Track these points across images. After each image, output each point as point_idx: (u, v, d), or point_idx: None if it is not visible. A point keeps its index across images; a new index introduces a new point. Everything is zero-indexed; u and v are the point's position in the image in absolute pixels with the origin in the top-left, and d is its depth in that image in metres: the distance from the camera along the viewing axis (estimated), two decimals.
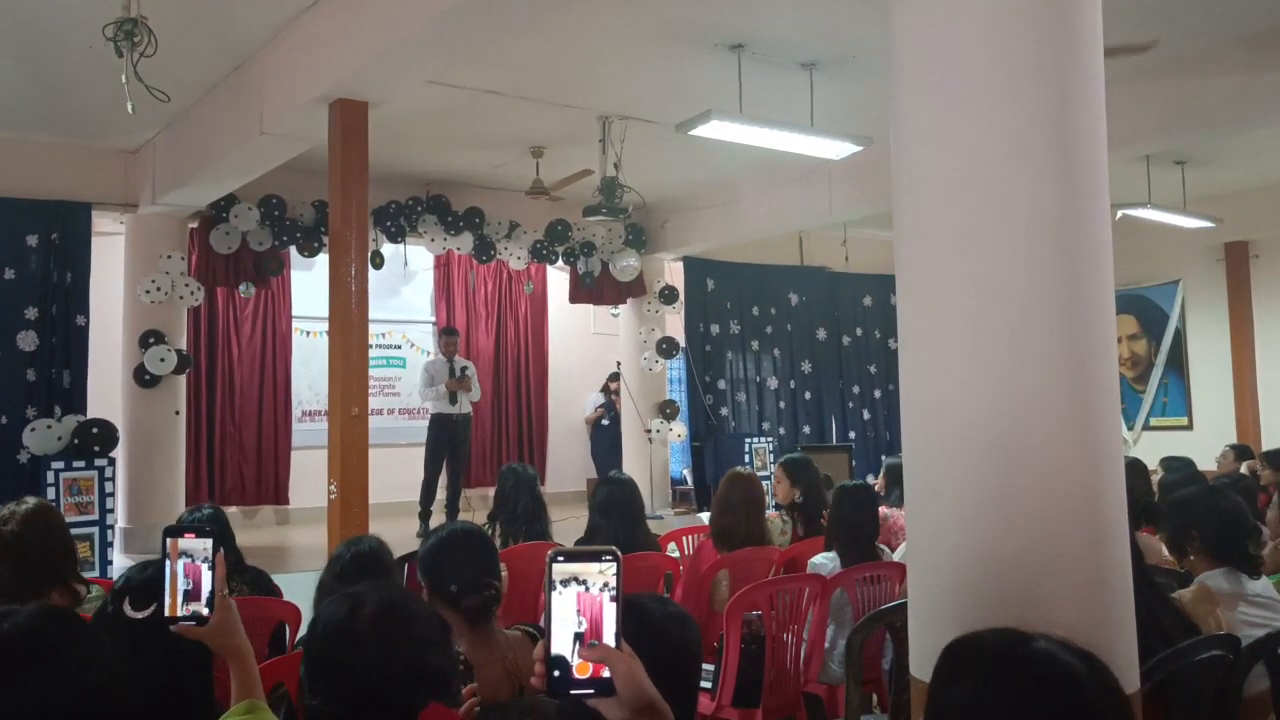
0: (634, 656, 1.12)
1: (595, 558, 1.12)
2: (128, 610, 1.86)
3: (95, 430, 7.02)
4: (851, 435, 11.47)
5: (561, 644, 1.11)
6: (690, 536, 5.45)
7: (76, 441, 6.95)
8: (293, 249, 8.38)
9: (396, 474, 8.39)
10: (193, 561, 1.72)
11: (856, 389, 11.71)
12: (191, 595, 1.72)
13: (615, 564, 1.12)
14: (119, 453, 7.33)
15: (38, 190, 7.41)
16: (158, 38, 4.16)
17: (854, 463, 9.93)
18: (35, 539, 2.88)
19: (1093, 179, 2.25)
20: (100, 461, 6.90)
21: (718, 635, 3.74)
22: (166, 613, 1.71)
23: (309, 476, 8.85)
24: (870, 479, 7.22)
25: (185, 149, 6.94)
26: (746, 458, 9.80)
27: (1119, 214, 8.38)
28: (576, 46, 5.82)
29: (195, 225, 8.09)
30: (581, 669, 1.11)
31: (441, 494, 8.60)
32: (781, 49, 5.87)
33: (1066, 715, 1.14)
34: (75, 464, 6.83)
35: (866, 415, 11.75)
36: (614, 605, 1.12)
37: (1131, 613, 2.13)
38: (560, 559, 1.12)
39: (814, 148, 6.50)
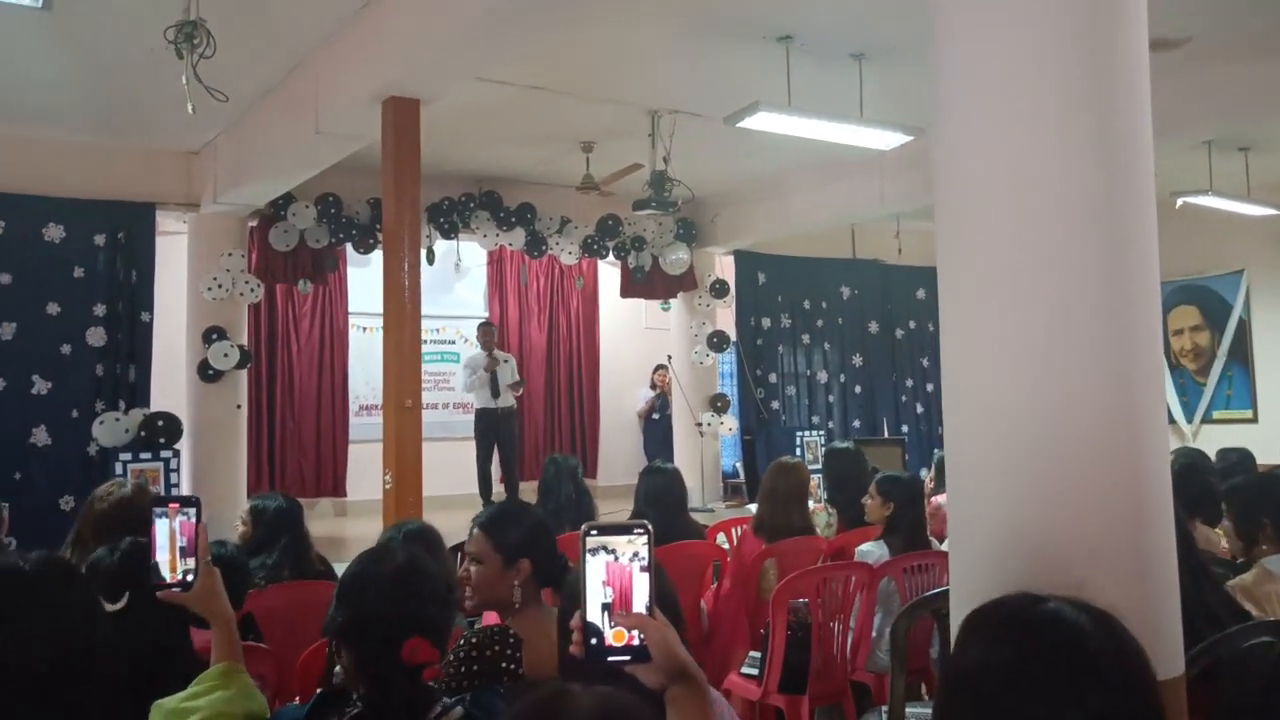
0: (668, 624, 1.17)
1: (626, 530, 1.16)
2: (105, 606, 1.97)
3: (161, 423, 7.23)
4: (904, 429, 11.39)
5: (594, 612, 1.15)
6: (738, 527, 5.48)
7: (143, 434, 7.17)
8: (349, 246, 8.55)
9: (450, 467, 8.52)
10: (187, 519, 1.87)
11: (909, 382, 11.62)
12: (187, 551, 1.87)
13: (646, 536, 1.16)
14: (183, 445, 7.55)
15: (105, 191, 7.63)
16: (216, 40, 4.28)
17: (907, 456, 9.88)
18: (122, 522, 3.04)
19: (1136, 162, 2.23)
20: (166, 453, 7.12)
21: (764, 623, 3.78)
22: (166, 573, 1.86)
23: (365, 470, 9.02)
24: (923, 473, 7.20)
25: (244, 149, 7.11)
26: (798, 451, 9.79)
27: (1179, 202, 8.22)
28: (625, 41, 5.86)
29: (255, 224, 8.27)
30: (618, 636, 1.15)
31: (499, 488, 8.74)
32: (830, 40, 5.85)
33: (1070, 670, 1.16)
34: (142, 455, 7.04)
35: (919, 409, 11.66)
36: (645, 575, 1.16)
37: (1176, 597, 2.12)
38: (593, 532, 1.16)
39: (863, 138, 6.48)
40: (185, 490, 7.55)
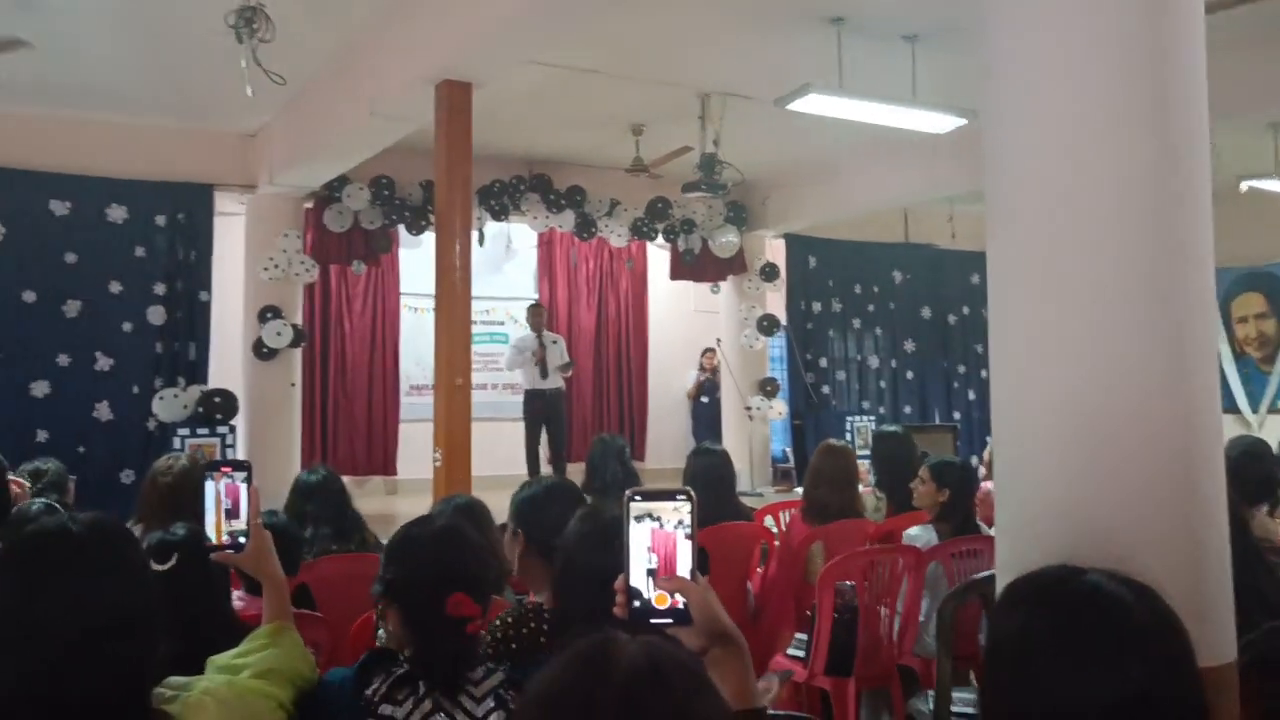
0: (709, 588, 1.19)
1: (670, 496, 1.18)
2: (153, 565, 2.03)
3: (218, 399, 7.40)
4: (956, 416, 11.28)
5: (637, 578, 1.18)
6: (786, 511, 5.48)
7: (201, 410, 7.34)
8: (401, 227, 8.64)
9: (499, 447, 8.61)
10: (232, 482, 1.90)
11: (962, 369, 11.50)
12: (231, 513, 1.90)
13: (689, 503, 1.18)
14: (239, 421, 7.71)
15: (165, 173, 7.80)
16: (275, 24, 4.36)
17: (959, 444, 9.78)
18: (188, 493, 3.16)
19: (1191, 144, 2.20)
20: (222, 429, 7.29)
21: (811, 605, 3.78)
22: (212, 538, 1.90)
23: (416, 449, 9.13)
24: (975, 460, 7.13)
25: (300, 132, 7.21)
26: (848, 436, 9.74)
27: (1244, 185, 8.03)
28: (675, 23, 5.85)
29: (310, 205, 8.40)
30: (660, 600, 1.18)
31: (548, 469, 8.81)
32: (882, 21, 5.80)
33: (1110, 640, 1.17)
34: (200, 431, 7.21)
35: (971, 396, 11.54)
36: (688, 541, 1.18)
37: (1228, 583, 2.10)
38: (637, 498, 1.19)
39: (916, 121, 6.41)
40: None
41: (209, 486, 1.90)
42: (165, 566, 2.10)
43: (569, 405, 10.66)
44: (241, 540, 1.90)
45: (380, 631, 1.97)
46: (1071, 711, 1.14)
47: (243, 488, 1.91)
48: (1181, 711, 1.17)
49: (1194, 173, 2.22)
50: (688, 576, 1.18)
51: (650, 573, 1.18)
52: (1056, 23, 2.26)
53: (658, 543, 1.18)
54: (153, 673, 1.49)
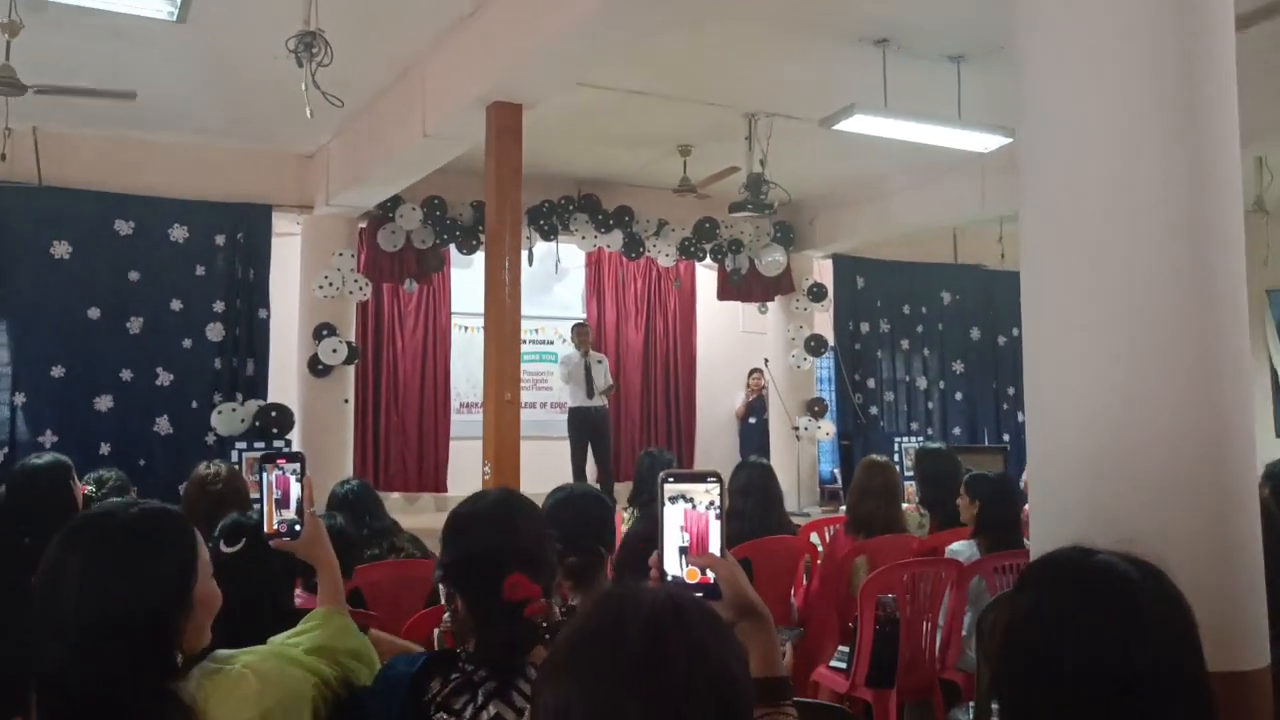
0: (736, 565, 1.26)
1: (701, 479, 1.26)
2: (222, 547, 2.25)
3: (274, 414, 7.59)
4: (1005, 438, 11.18)
5: (671, 554, 1.25)
6: (831, 527, 5.50)
7: (257, 424, 7.52)
8: (452, 247, 8.81)
9: (547, 465, 8.68)
10: (282, 474, 2.01)
11: (1011, 390, 11.39)
12: (281, 503, 2.00)
13: (719, 484, 1.25)
14: (294, 435, 7.89)
15: (226, 193, 8.03)
16: (333, 49, 4.51)
17: (1009, 466, 9.69)
18: (233, 498, 3.29)
19: (1223, 166, 2.24)
20: (278, 443, 7.45)
21: (853, 617, 3.81)
22: (265, 529, 2.01)
23: (465, 466, 9.25)
24: (1023, 479, 7.08)
25: (356, 153, 7.40)
26: (896, 457, 9.70)
27: None
28: (722, 45, 5.94)
29: (364, 225, 8.59)
30: (690, 575, 1.24)
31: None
32: (927, 42, 5.84)
33: (1117, 618, 1.21)
34: (256, 444, 7.39)
35: (1021, 417, 11.42)
36: (719, 521, 1.25)
37: (1261, 588, 2.12)
38: (671, 479, 1.26)
39: (961, 140, 6.44)
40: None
41: (265, 477, 2.00)
42: (234, 549, 2.21)
43: (616, 425, 10.77)
44: (296, 528, 1.99)
45: (445, 619, 1.93)
46: (1079, 688, 1.18)
47: (293, 479, 2.01)
48: (1186, 688, 1.20)
49: (1225, 193, 2.26)
50: (718, 554, 1.25)
51: (683, 550, 1.25)
52: (1091, 45, 2.32)
53: (690, 522, 1.25)
54: (174, 660, 1.52)
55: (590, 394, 8.94)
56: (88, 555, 1.49)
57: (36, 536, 3.43)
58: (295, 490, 2.01)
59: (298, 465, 2.03)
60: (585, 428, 8.96)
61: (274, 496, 2.00)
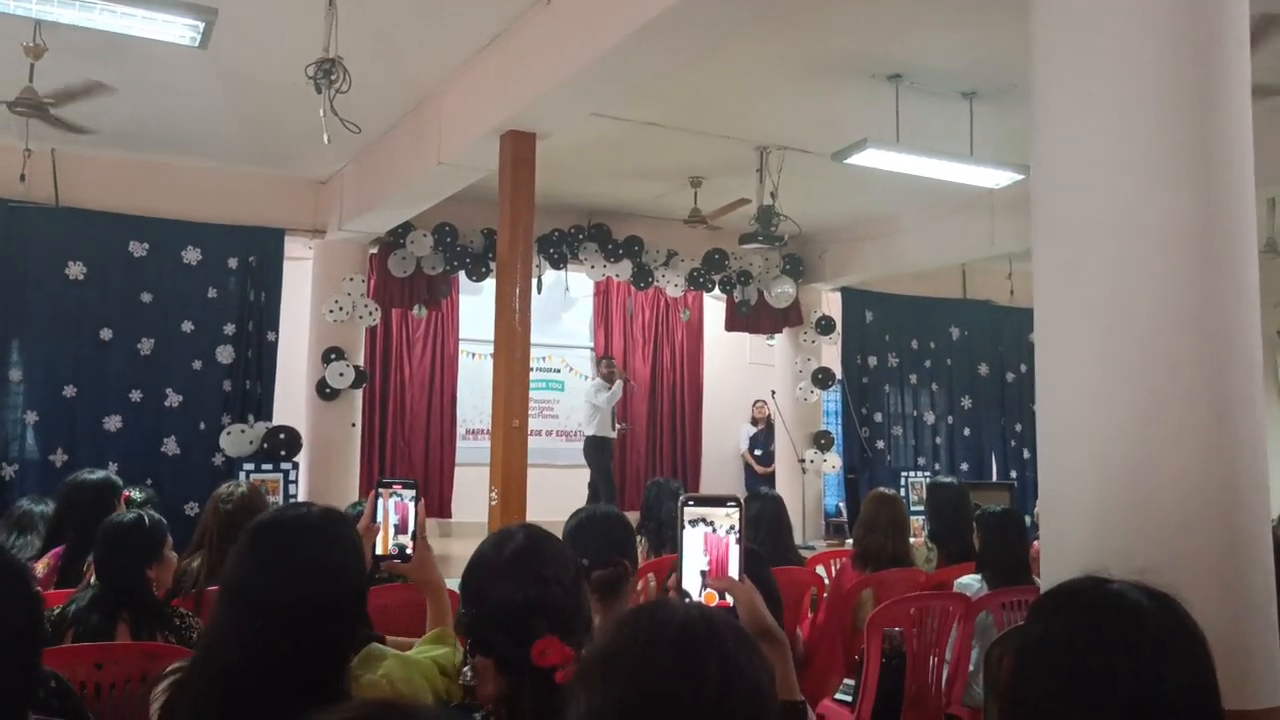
0: (754, 589, 1.26)
1: (721, 503, 1.27)
2: None
3: (283, 436, 7.60)
4: (1012, 474, 11.15)
5: (690, 577, 1.25)
6: (838, 560, 5.48)
7: (265, 446, 7.53)
8: (462, 274, 8.85)
9: (553, 493, 8.68)
10: (401, 500, 2.08)
11: (1019, 427, 11.38)
12: (400, 529, 2.07)
13: (738, 509, 1.26)
14: (302, 458, 7.90)
15: (240, 217, 8.10)
16: (351, 76, 4.57)
17: (1016, 502, 9.67)
18: (247, 519, 3.30)
19: (1237, 202, 2.26)
20: (286, 465, 7.48)
21: (859, 650, 3.79)
22: (379, 550, 2.05)
23: (471, 492, 9.25)
24: (1029, 518, 7.07)
25: (369, 179, 7.46)
26: (903, 491, 9.68)
27: None
28: (736, 79, 5.99)
29: (375, 251, 8.64)
30: (709, 599, 1.25)
31: None
32: (940, 78, 5.89)
33: (1130, 644, 1.21)
34: (264, 466, 7.40)
35: (1027, 454, 11.40)
36: (737, 545, 1.26)
37: (1273, 628, 2.11)
38: (690, 503, 1.27)
39: (972, 176, 6.48)
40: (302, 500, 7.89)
41: (382, 503, 2.05)
42: None
43: (621, 454, 10.85)
44: (407, 552, 2.06)
45: (466, 672, 1.75)
46: (1091, 714, 1.19)
47: (410, 505, 2.06)
48: (1198, 713, 1.20)
49: (1239, 235, 2.27)
50: (736, 578, 1.25)
51: (702, 573, 1.26)
52: (1105, 85, 2.34)
53: (710, 545, 1.26)
54: (351, 648, 1.68)
55: (613, 425, 9.16)
56: (285, 549, 1.65)
57: (80, 542, 3.52)
58: (412, 518, 2.08)
59: (413, 492, 2.09)
60: (607, 457, 9.15)
61: (393, 521, 2.06)
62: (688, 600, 1.25)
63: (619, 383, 9.43)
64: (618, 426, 9.32)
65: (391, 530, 2.06)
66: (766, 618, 1.25)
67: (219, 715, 1.53)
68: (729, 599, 1.25)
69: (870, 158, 6.06)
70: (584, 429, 9.51)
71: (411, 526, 2.06)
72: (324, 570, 1.63)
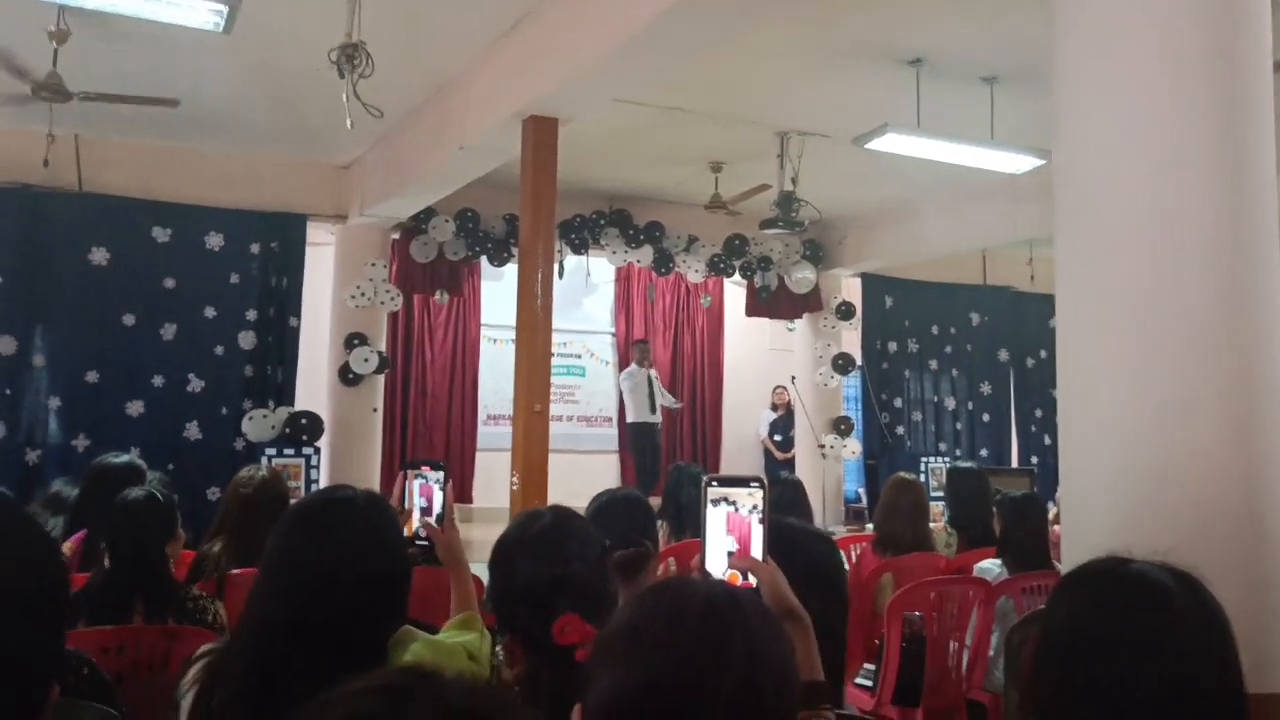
0: (777, 569, 1.27)
1: (744, 483, 1.27)
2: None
3: (304, 421, 7.66)
4: (1033, 460, 11.11)
5: (713, 557, 1.27)
6: (856, 545, 5.49)
7: (288, 431, 7.59)
8: (483, 260, 8.87)
9: (575, 478, 8.68)
10: (426, 483, 2.10)
11: (1039, 413, 11.33)
12: (426, 511, 2.09)
13: (762, 490, 1.27)
14: (323, 443, 7.96)
15: (263, 202, 8.13)
16: (374, 61, 4.58)
17: (1036, 488, 9.63)
18: (269, 503, 3.33)
19: (1262, 190, 2.25)
20: (307, 450, 7.54)
21: (879, 634, 3.80)
22: (405, 533, 2.06)
23: (492, 477, 9.30)
24: (1050, 505, 7.05)
25: (391, 164, 7.48)
26: (923, 477, 9.66)
27: None
28: (757, 64, 5.97)
29: (397, 236, 8.68)
30: (732, 579, 1.26)
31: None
32: (961, 63, 5.86)
33: (1153, 624, 1.21)
34: (285, 451, 7.46)
35: (1048, 440, 11.35)
36: (761, 526, 1.27)
37: None
38: (714, 483, 1.28)
39: (993, 161, 6.44)
40: (323, 485, 7.95)
41: (408, 485, 2.07)
42: None
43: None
44: (424, 538, 2.09)
45: (498, 650, 1.86)
46: (1115, 696, 1.19)
47: (436, 488, 2.07)
48: (1222, 694, 1.21)
49: (1263, 219, 2.26)
50: (759, 558, 1.26)
51: (728, 554, 1.27)
52: (1129, 68, 2.33)
53: (733, 525, 1.27)
54: (396, 622, 1.73)
55: (653, 409, 9.18)
56: (336, 524, 1.72)
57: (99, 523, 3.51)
58: (438, 500, 2.09)
59: (441, 474, 2.11)
60: (646, 443, 9.15)
61: (419, 505, 2.08)
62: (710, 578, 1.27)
63: (633, 367, 9.47)
64: (667, 405, 9.40)
65: (417, 513, 2.07)
66: (789, 597, 1.26)
67: (263, 684, 1.56)
68: (752, 580, 1.26)
69: (891, 143, 6.04)
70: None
71: (439, 509, 2.07)
72: (372, 544, 1.69)
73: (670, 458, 11.09)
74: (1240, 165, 2.26)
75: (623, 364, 11.25)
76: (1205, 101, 2.26)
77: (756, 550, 1.26)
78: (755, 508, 1.26)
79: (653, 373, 9.62)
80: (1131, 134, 2.33)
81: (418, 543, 2.07)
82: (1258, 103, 2.30)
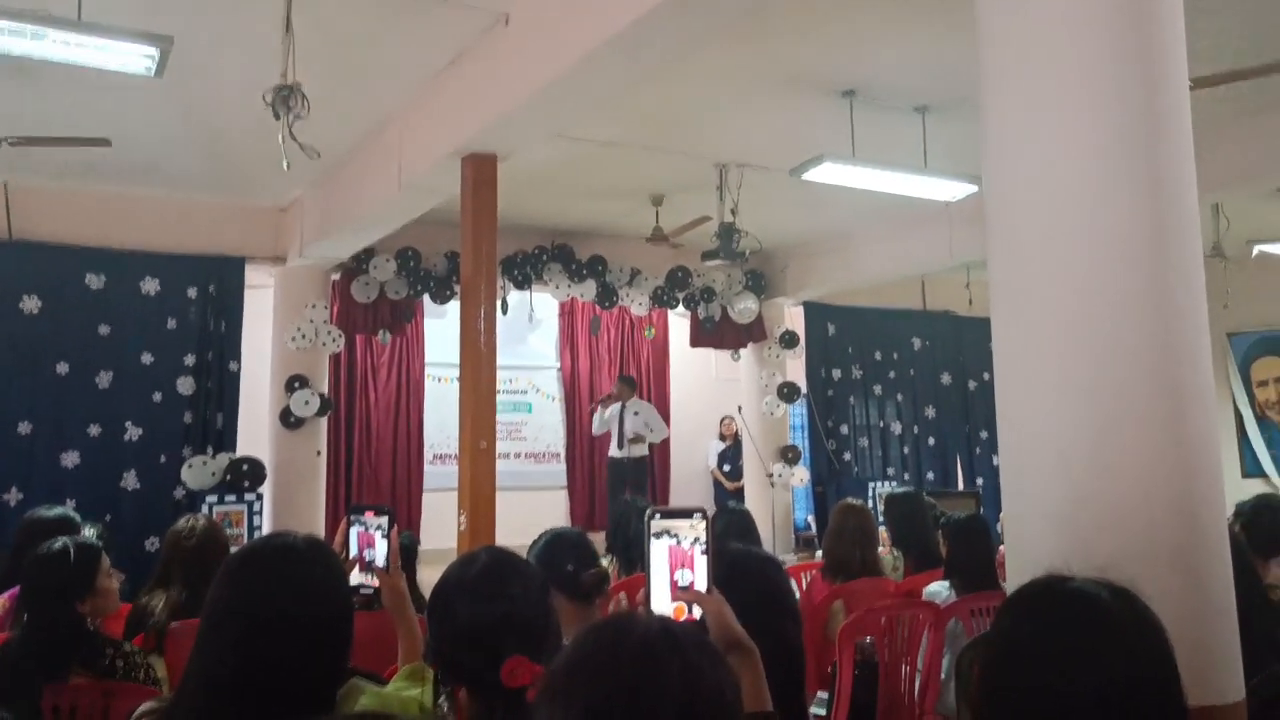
0: (723, 601, 1.27)
1: (687, 515, 1.27)
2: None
3: (245, 467, 7.52)
4: (979, 481, 11.25)
5: (658, 591, 1.26)
6: (806, 573, 5.50)
7: (229, 477, 7.45)
8: (426, 298, 8.82)
9: (524, 516, 8.63)
10: (366, 530, 2.03)
11: (984, 434, 11.48)
12: (364, 560, 2.03)
13: (705, 521, 1.27)
14: (266, 489, 7.81)
15: (199, 246, 8.02)
16: (310, 101, 4.55)
17: (983, 509, 9.75)
18: (212, 554, 3.26)
19: (1182, 209, 2.32)
20: (249, 496, 7.39)
21: (831, 662, 3.81)
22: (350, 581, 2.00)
23: (439, 518, 9.18)
24: (998, 525, 7.14)
25: (331, 205, 7.43)
26: (871, 503, 9.73)
27: (1255, 250, 8.12)
28: (693, 97, 6.04)
29: (338, 276, 8.60)
30: (678, 612, 1.26)
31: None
32: (893, 93, 5.97)
33: (1092, 639, 1.24)
34: (227, 498, 7.31)
35: (995, 461, 11.49)
36: (705, 557, 1.26)
37: (1233, 625, 2.15)
38: (657, 516, 1.28)
39: (927, 189, 6.56)
40: (266, 532, 7.79)
41: (353, 530, 2.01)
42: None
43: (589, 474, 10.81)
44: (369, 584, 2.03)
45: (441, 704, 1.75)
46: (1057, 711, 1.21)
47: (378, 535, 2.01)
48: (1161, 706, 1.23)
49: (1186, 239, 2.33)
50: (704, 589, 1.26)
51: (672, 586, 1.26)
52: (1050, 96, 2.40)
53: (677, 558, 1.26)
54: (343, 670, 1.71)
55: (620, 444, 9.12)
56: (279, 569, 1.69)
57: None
58: (382, 549, 2.02)
59: (385, 520, 2.04)
60: (619, 478, 9.09)
61: (355, 553, 2.02)
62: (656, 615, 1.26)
63: (602, 401, 9.59)
64: (628, 440, 9.36)
65: (364, 560, 2.01)
66: (735, 628, 1.26)
67: None
68: (697, 612, 1.26)
69: (827, 173, 6.13)
70: None
71: (383, 558, 2.02)
72: (316, 589, 1.66)
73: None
74: (1162, 185, 2.32)
75: (569, 399, 11.24)
76: (1126, 126, 2.32)
77: (701, 582, 1.26)
78: (698, 539, 1.26)
79: (639, 404, 9.57)
80: (1056, 160, 2.39)
81: (361, 591, 2.01)
82: (1176, 125, 2.37)
